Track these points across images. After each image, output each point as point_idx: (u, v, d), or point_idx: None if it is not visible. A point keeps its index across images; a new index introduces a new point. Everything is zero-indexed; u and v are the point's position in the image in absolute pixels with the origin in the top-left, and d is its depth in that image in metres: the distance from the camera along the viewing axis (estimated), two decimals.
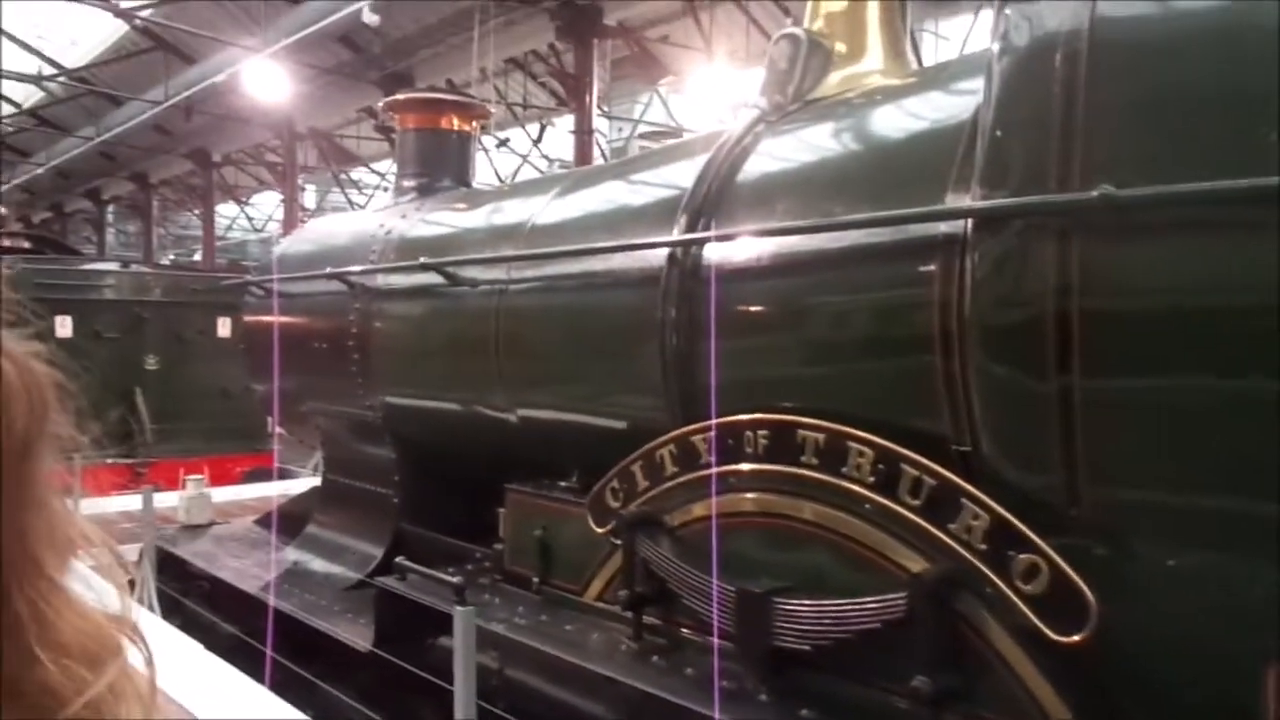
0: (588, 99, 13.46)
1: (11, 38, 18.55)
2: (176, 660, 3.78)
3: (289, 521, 5.86)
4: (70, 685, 0.50)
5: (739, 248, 3.11)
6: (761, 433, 2.82)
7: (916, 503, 2.41)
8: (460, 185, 5.65)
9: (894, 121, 3.08)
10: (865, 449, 2.53)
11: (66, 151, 21.99)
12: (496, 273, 4.21)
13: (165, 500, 6.66)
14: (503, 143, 18.15)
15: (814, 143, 3.29)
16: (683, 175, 3.50)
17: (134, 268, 13.57)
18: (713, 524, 2.90)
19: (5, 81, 19.21)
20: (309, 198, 26.70)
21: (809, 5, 3.68)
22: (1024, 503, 2.22)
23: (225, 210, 28.77)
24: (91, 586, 0.55)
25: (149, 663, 0.57)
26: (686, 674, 2.99)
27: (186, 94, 16.02)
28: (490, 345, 4.16)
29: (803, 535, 2.72)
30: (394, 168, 6.94)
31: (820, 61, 3.51)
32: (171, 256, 30.83)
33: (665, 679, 2.98)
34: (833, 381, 2.88)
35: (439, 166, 5.64)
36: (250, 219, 29.85)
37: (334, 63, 15.56)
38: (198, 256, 27.93)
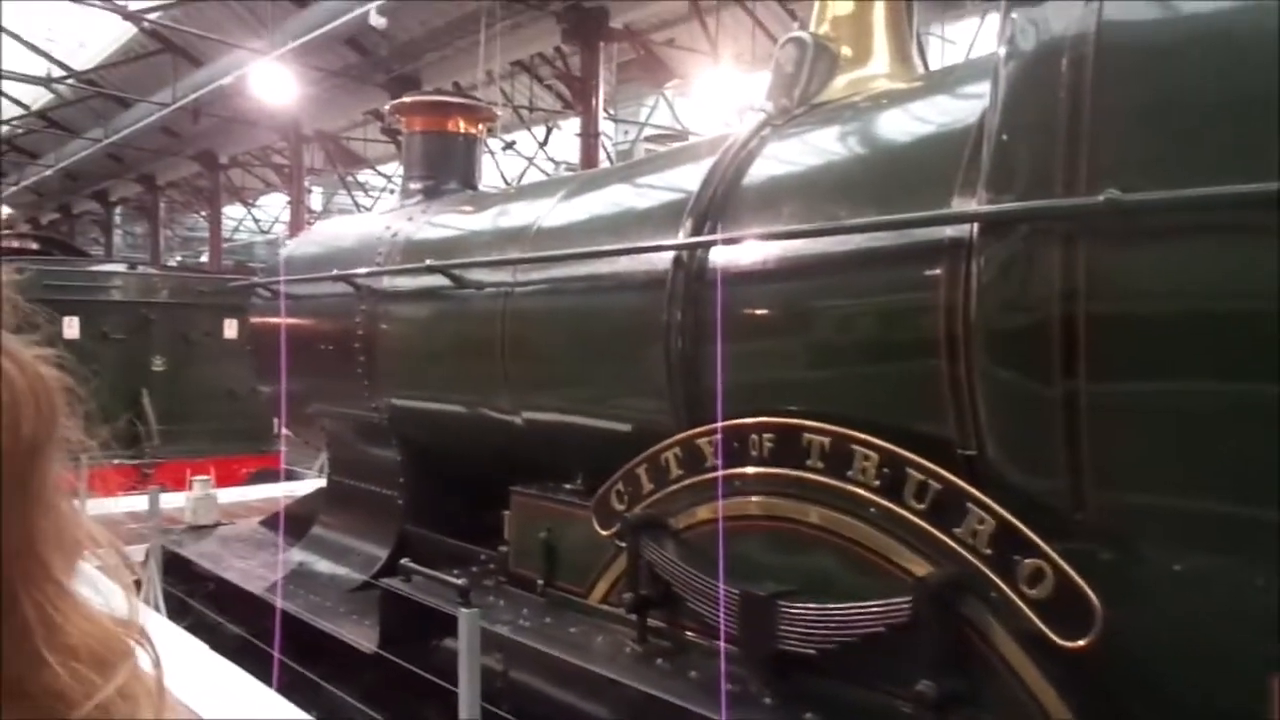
0: (594, 102, 13.48)
1: (20, 40, 18.62)
2: (182, 661, 3.79)
3: (294, 522, 5.87)
4: (79, 688, 0.50)
5: (745, 251, 3.11)
6: (766, 436, 2.82)
7: (921, 507, 2.41)
8: (466, 188, 5.66)
9: (900, 125, 3.08)
10: (870, 453, 2.52)
11: (75, 153, 22.07)
12: (502, 275, 4.21)
13: (171, 501, 6.68)
14: (509, 145, 18.17)
15: (820, 146, 3.29)
16: (688, 179, 3.50)
17: (141, 269, 13.61)
18: (719, 527, 2.90)
19: (14, 84, 19.31)
20: (315, 200, 26.76)
21: (815, 9, 3.69)
22: (1029, 507, 2.21)
23: (232, 212, 28.83)
24: (99, 590, 0.56)
25: (156, 665, 0.57)
26: (691, 677, 2.99)
27: (194, 96, 16.06)
28: (496, 347, 4.17)
29: (807, 539, 2.72)
30: (400, 170, 6.95)
31: (826, 65, 3.52)
32: (178, 258, 30.92)
33: (669, 682, 2.98)
34: (838, 385, 2.88)
35: (445, 169, 5.66)
36: (257, 221, 29.93)
37: (341, 65, 15.60)
38: (204, 258, 28.03)
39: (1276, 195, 1.71)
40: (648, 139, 10.99)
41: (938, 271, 2.47)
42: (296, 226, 18.82)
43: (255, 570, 5.43)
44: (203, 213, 27.74)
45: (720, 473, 2.94)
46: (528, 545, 3.87)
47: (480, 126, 5.95)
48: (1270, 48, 1.81)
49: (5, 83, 19.36)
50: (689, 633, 3.15)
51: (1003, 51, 2.27)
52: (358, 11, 11.57)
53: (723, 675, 2.79)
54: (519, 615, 3.68)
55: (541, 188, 5.30)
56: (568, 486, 3.89)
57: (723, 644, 2.88)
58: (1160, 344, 1.99)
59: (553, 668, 3.37)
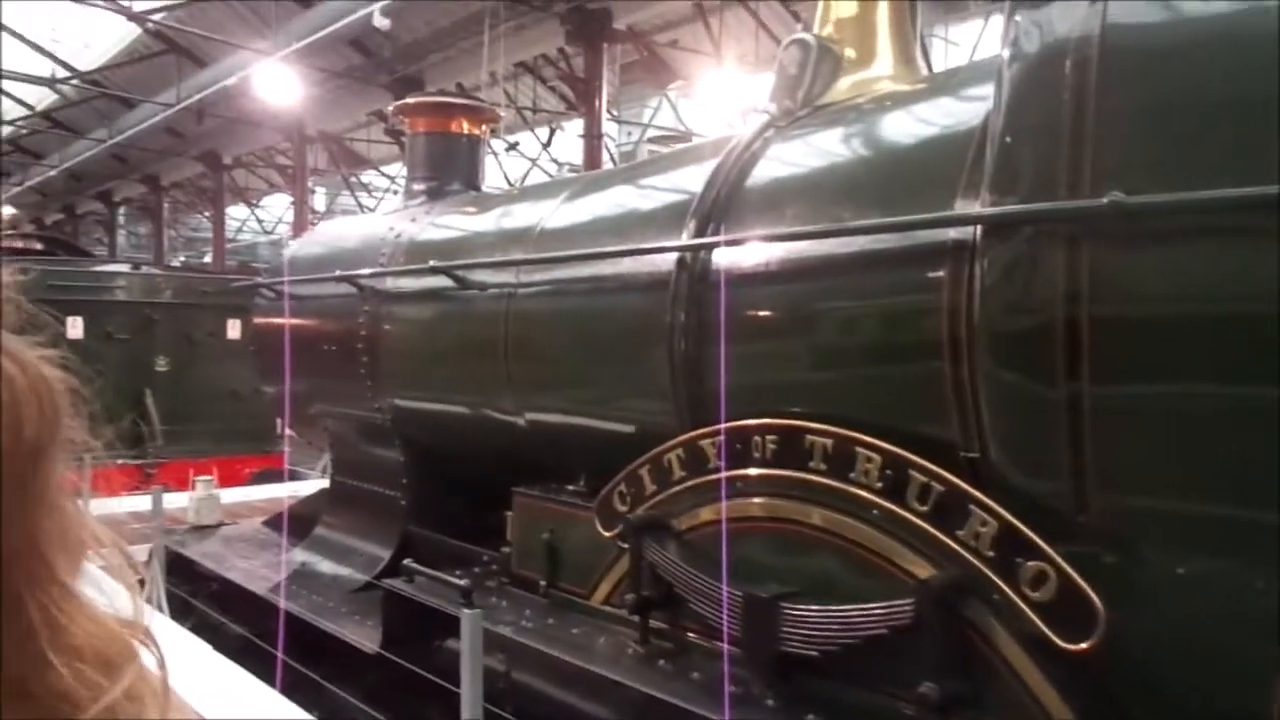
0: (597, 103, 13.48)
1: (25, 40, 18.67)
2: (185, 662, 3.79)
3: (297, 523, 5.88)
4: (84, 689, 0.50)
5: (748, 253, 3.11)
6: (770, 438, 2.82)
7: (924, 509, 2.40)
8: (470, 189, 5.67)
9: (904, 127, 3.08)
10: (873, 454, 2.52)
11: (79, 154, 22.11)
12: (505, 276, 4.22)
13: (175, 501, 6.69)
14: (512, 146, 18.18)
15: (823, 148, 3.29)
16: (692, 180, 3.51)
17: (145, 269, 13.64)
18: (721, 528, 2.90)
19: (19, 84, 19.35)
20: (319, 200, 26.80)
21: (819, 10, 3.69)
22: (1032, 509, 2.21)
23: (235, 212, 28.87)
24: (103, 590, 0.56)
25: (161, 665, 0.57)
26: (693, 678, 2.99)
27: (198, 97, 16.09)
28: (499, 348, 4.17)
29: (810, 540, 2.72)
30: (404, 171, 6.96)
31: (830, 67, 3.52)
32: (182, 258, 30.96)
33: (671, 683, 2.98)
34: (841, 387, 2.88)
35: (449, 170, 5.67)
36: (260, 221, 29.96)
37: (344, 66, 15.62)
38: (208, 258, 28.06)
39: (1278, 198, 1.71)
40: (651, 140, 11.00)
41: (941, 274, 2.47)
42: (300, 227, 18.84)
43: (258, 570, 5.44)
44: (206, 213, 27.78)
45: (723, 474, 2.94)
46: (530, 546, 3.88)
47: (484, 127, 5.96)
48: (1274, 50, 1.80)
49: (10, 83, 19.41)
50: (691, 634, 3.15)
51: (1006, 53, 2.27)
52: (361, 13, 11.58)
53: (725, 677, 2.79)
54: (521, 616, 3.68)
55: (545, 189, 5.30)
56: (570, 488, 3.89)
57: (725, 645, 2.88)
58: (1164, 347, 1.99)
59: (555, 669, 3.38)
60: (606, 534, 3.38)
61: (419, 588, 4.10)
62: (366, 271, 5.09)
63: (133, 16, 15.62)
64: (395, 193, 21.25)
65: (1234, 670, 2.03)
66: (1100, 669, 2.11)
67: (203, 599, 5.81)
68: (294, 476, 8.66)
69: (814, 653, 2.61)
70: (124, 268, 13.25)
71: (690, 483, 3.09)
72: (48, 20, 18.37)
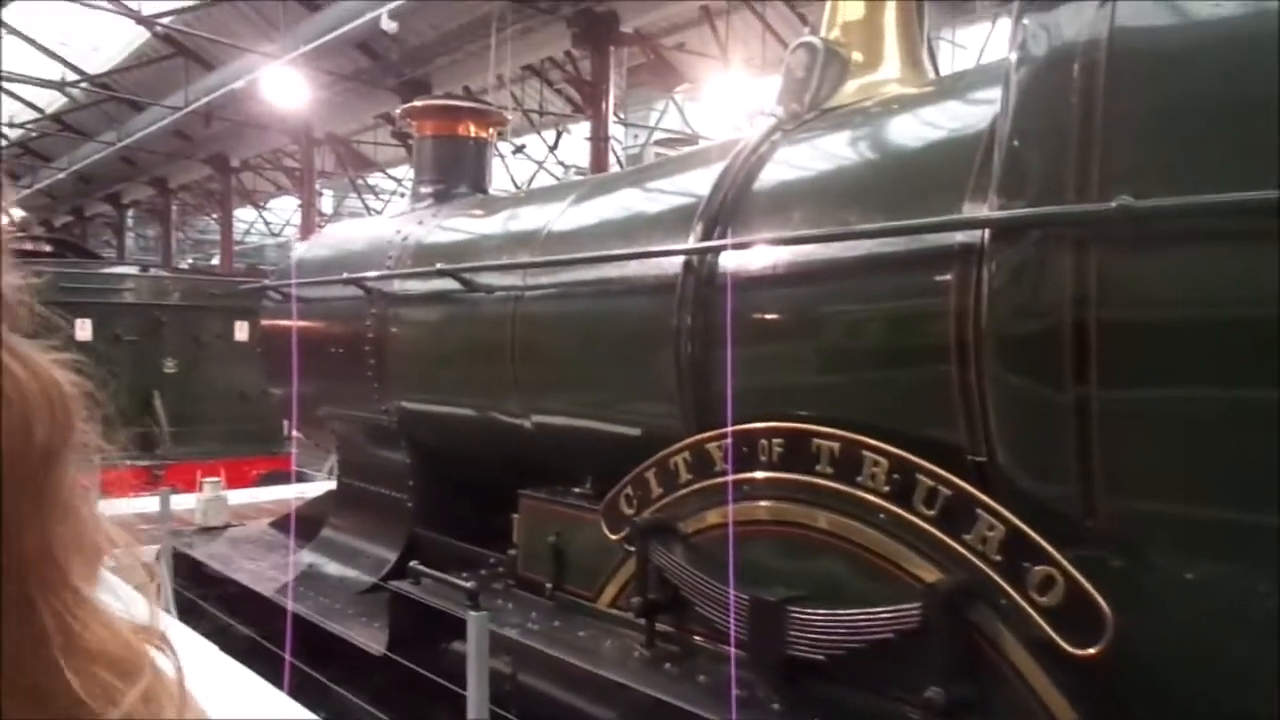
0: (604, 106, 13.48)
1: (34, 44, 18.76)
2: (192, 662, 3.80)
3: (304, 524, 5.90)
4: (100, 695, 0.50)
5: (755, 256, 3.11)
6: (776, 441, 2.82)
7: (931, 513, 2.40)
8: (477, 192, 5.68)
9: (911, 130, 3.08)
10: (880, 458, 2.52)
11: (88, 156, 22.19)
12: (512, 279, 4.22)
13: (182, 502, 6.71)
14: (519, 149, 18.21)
15: (830, 151, 3.29)
16: (699, 183, 3.51)
17: (153, 271, 13.70)
18: (728, 532, 2.89)
19: (28, 87, 19.43)
20: (326, 203, 26.85)
21: (826, 14, 3.69)
22: (1040, 513, 2.21)
23: (243, 215, 28.95)
24: (119, 595, 0.55)
25: (178, 671, 0.57)
26: (699, 681, 2.99)
27: (206, 100, 16.14)
28: (505, 351, 4.18)
29: (817, 544, 2.72)
30: (411, 173, 6.97)
31: (837, 70, 3.52)
32: (190, 260, 31.07)
33: (678, 686, 2.98)
34: (848, 390, 2.88)
35: (456, 173, 5.68)
36: (268, 224, 30.03)
37: (352, 69, 15.65)
38: (216, 261, 28.14)
39: None
40: (657, 143, 11.00)
41: (948, 277, 2.47)
42: (307, 229, 18.89)
43: (265, 572, 5.45)
44: (214, 215, 27.84)
45: (730, 477, 2.94)
46: (536, 549, 3.88)
47: (490, 130, 5.97)
48: None
49: (20, 86, 19.50)
50: (697, 637, 3.15)
51: (1014, 57, 2.27)
52: (369, 16, 11.61)
53: (732, 680, 2.79)
54: (527, 619, 3.68)
55: (552, 192, 5.31)
56: (577, 490, 3.89)
57: (732, 649, 2.88)
58: (1172, 350, 1.98)
59: (561, 671, 3.38)
60: (613, 537, 3.39)
61: (425, 590, 4.11)
62: (374, 274, 5.10)
63: (141, 20, 15.68)
64: (402, 195, 21.30)
65: (1242, 675, 2.02)
66: (1108, 674, 2.11)
67: (212, 602, 5.81)
68: (301, 478, 8.68)
69: (820, 657, 2.60)
70: (132, 270, 13.30)
71: (696, 486, 3.09)
72: (57, 24, 18.46)
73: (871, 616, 2.48)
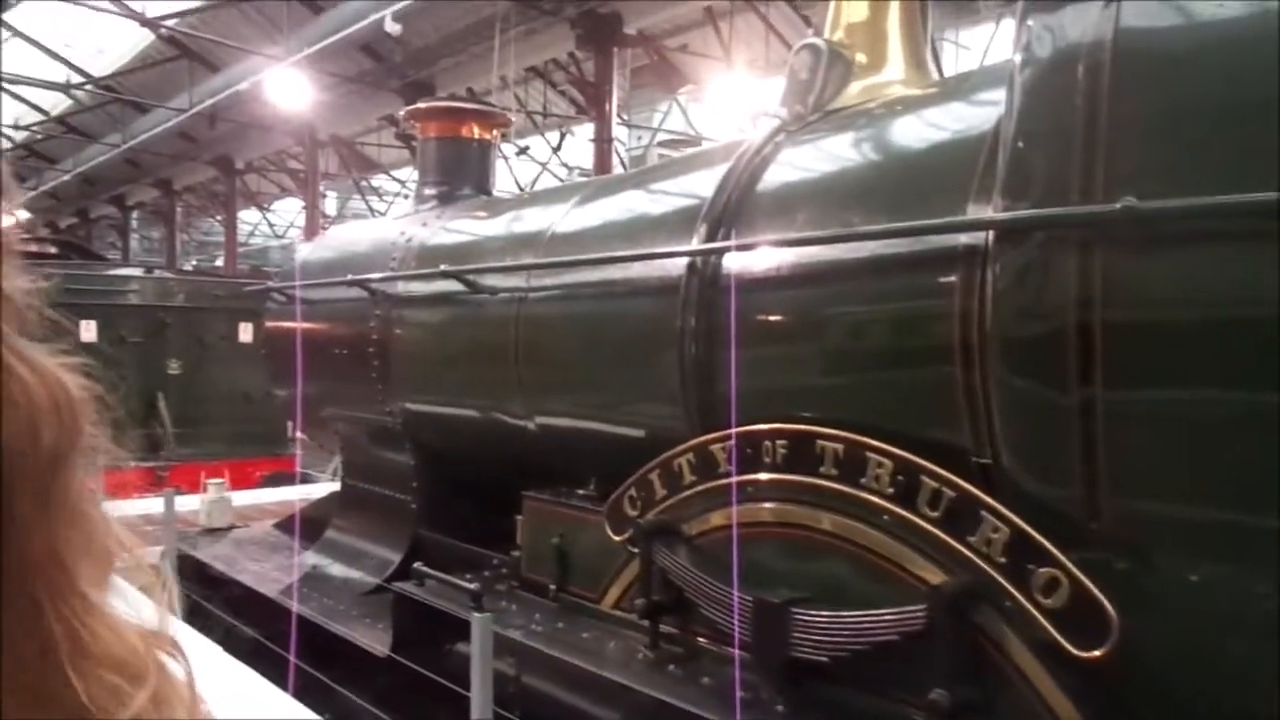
0: (607, 107, 13.49)
1: (40, 46, 18.81)
2: (196, 663, 3.80)
3: (308, 526, 5.90)
4: (109, 701, 0.50)
5: (759, 257, 3.11)
6: (780, 442, 2.81)
7: (936, 514, 2.40)
8: (480, 193, 5.68)
9: (915, 132, 3.07)
10: (884, 460, 2.52)
11: (93, 158, 22.25)
12: (516, 281, 4.23)
13: (186, 503, 6.72)
14: (522, 151, 18.22)
15: (834, 153, 3.29)
16: (703, 185, 3.51)
17: (158, 273, 13.73)
18: (732, 533, 2.89)
19: (34, 89, 19.49)
20: (330, 204, 26.89)
21: (830, 15, 3.69)
22: (1044, 515, 2.20)
23: (247, 216, 28.98)
24: (127, 600, 0.55)
25: (189, 677, 0.57)
26: (703, 683, 2.99)
27: (211, 102, 16.19)
28: (509, 353, 4.18)
29: (821, 546, 2.71)
30: (414, 175, 6.98)
31: (841, 72, 3.51)
32: (194, 262, 31.12)
33: (681, 688, 2.98)
34: (852, 392, 2.87)
35: (459, 175, 5.68)
36: (272, 225, 30.08)
37: (356, 71, 15.67)
38: (220, 262, 28.20)
39: None
40: (661, 144, 11.00)
41: (953, 279, 2.47)
42: (311, 231, 18.92)
43: (269, 573, 5.46)
44: (218, 217, 27.90)
45: (734, 479, 2.94)
46: (540, 550, 3.88)
47: (494, 132, 5.97)
48: None
49: (25, 88, 19.55)
50: (701, 639, 3.15)
51: (1018, 58, 2.26)
52: (373, 18, 11.63)
53: (736, 682, 2.79)
54: (531, 620, 3.68)
55: (555, 193, 5.31)
56: (580, 492, 3.89)
57: (736, 650, 2.88)
58: (1177, 352, 1.98)
59: (565, 673, 3.38)
60: (617, 538, 3.38)
61: (429, 591, 4.11)
62: (378, 276, 5.11)
63: (146, 22, 15.72)
64: (406, 197, 21.32)
65: (1246, 678, 2.01)
66: (1113, 677, 2.10)
67: (217, 603, 5.82)
68: (305, 479, 8.69)
69: (824, 658, 2.60)
70: (137, 272, 13.34)
71: (700, 487, 3.08)
72: (62, 26, 18.51)
73: (876, 618, 2.48)
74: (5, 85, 18.94)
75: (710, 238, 3.28)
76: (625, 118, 16.91)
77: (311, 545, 5.63)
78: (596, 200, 4.32)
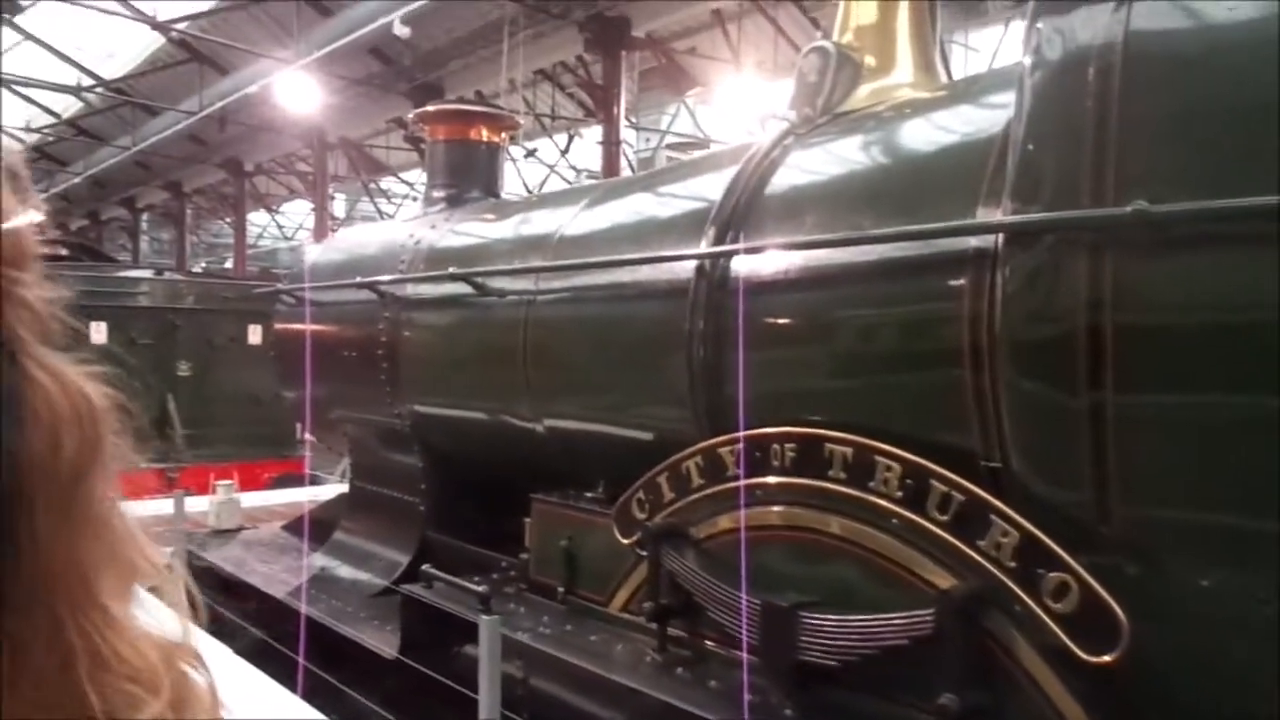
0: (615, 110, 13.51)
1: (51, 49, 18.93)
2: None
3: (317, 527, 5.91)
4: (130, 714, 0.49)
5: (767, 260, 3.11)
6: (789, 446, 2.81)
7: (945, 518, 2.39)
8: (489, 196, 5.69)
9: (924, 135, 3.07)
10: (893, 464, 2.51)
11: (103, 161, 22.38)
12: (524, 283, 4.23)
13: (195, 505, 6.74)
14: (531, 153, 18.26)
15: (843, 156, 3.29)
16: (711, 188, 3.51)
17: (167, 275, 13.77)
18: (740, 537, 2.89)
19: (45, 92, 19.60)
20: (339, 206, 26.97)
21: (838, 18, 3.68)
22: (1054, 519, 2.20)
23: (256, 219, 29.09)
24: (148, 610, 0.55)
25: (211, 689, 0.56)
26: (711, 687, 2.98)
27: (220, 105, 16.26)
28: (518, 355, 4.18)
29: (829, 549, 2.71)
30: (423, 177, 6.99)
31: (849, 74, 3.51)
32: (204, 264, 31.24)
33: (689, 691, 2.98)
34: (861, 395, 2.87)
35: (468, 177, 5.69)
36: (281, 227, 30.18)
37: (365, 74, 15.73)
38: (229, 264, 28.29)
39: None
40: (669, 146, 11.01)
41: (962, 282, 2.46)
42: (320, 233, 18.98)
43: (278, 574, 5.47)
44: (228, 219, 28.01)
45: (742, 482, 2.94)
46: (548, 553, 3.88)
47: (502, 135, 5.98)
48: None
49: (37, 91, 19.66)
50: (709, 642, 3.14)
51: (1029, 60, 2.26)
52: (382, 21, 11.66)
53: (744, 686, 2.78)
54: (539, 623, 3.68)
55: (564, 196, 5.32)
56: (589, 494, 3.89)
57: (744, 654, 2.87)
58: (1188, 355, 1.97)
59: (573, 676, 3.38)
60: (625, 541, 3.38)
61: (437, 593, 4.11)
62: (387, 278, 5.12)
63: (156, 26, 15.81)
64: (414, 199, 21.37)
65: (1258, 684, 2.00)
66: (1123, 682, 2.09)
67: (225, 604, 5.83)
68: (314, 481, 8.70)
69: (833, 662, 2.60)
70: (147, 273, 13.38)
71: (709, 490, 3.08)
72: (73, 30, 18.62)
73: (884, 622, 2.47)
74: (17, 88, 19.03)
75: (719, 240, 3.28)
76: (633, 120, 16.93)
77: (320, 547, 5.64)
78: (605, 203, 4.32)
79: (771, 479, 2.87)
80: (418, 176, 21.28)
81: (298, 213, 29.18)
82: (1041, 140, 2.20)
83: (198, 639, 0.57)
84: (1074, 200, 2.08)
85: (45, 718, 0.47)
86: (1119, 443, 2.02)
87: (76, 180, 24.11)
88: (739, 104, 13.25)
